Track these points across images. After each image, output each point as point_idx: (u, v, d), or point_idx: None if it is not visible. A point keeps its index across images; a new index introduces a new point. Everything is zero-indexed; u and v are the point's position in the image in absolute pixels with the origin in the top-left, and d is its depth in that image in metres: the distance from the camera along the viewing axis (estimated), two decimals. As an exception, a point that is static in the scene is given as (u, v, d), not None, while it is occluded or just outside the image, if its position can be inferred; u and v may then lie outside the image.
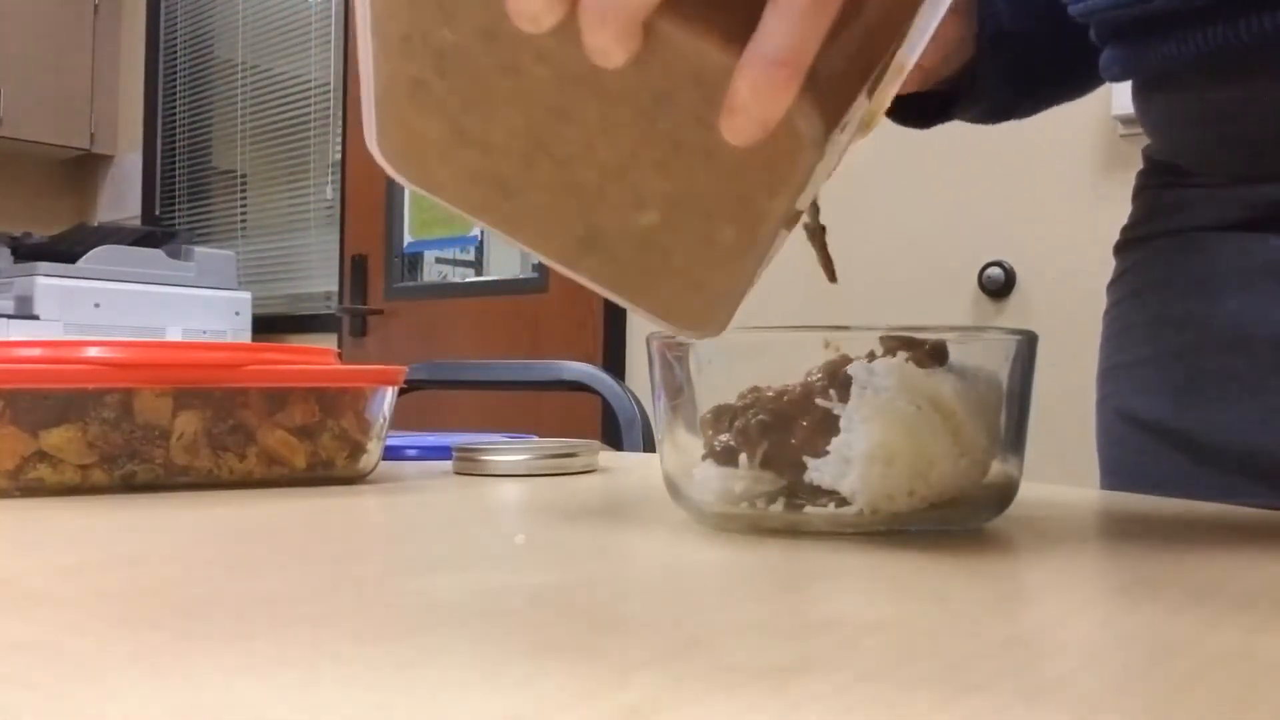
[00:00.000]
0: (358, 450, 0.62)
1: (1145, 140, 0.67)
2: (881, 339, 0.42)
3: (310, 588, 0.33)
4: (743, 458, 0.43)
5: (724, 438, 0.44)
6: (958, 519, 0.42)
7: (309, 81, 3.50)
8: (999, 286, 1.97)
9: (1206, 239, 0.61)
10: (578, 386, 1.39)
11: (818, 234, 0.50)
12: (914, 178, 2.06)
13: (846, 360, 0.42)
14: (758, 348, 0.48)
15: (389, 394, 0.64)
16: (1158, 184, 0.66)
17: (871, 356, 0.42)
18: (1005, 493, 0.44)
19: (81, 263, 3.20)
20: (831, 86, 0.29)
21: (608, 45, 0.28)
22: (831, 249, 0.47)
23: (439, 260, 3.38)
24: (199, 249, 3.50)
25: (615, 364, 2.46)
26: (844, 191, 2.12)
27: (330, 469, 0.61)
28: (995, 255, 1.97)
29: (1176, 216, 0.63)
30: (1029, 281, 1.95)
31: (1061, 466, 0.99)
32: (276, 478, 0.59)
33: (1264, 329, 0.57)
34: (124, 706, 0.21)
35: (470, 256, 3.53)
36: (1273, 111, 0.54)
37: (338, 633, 0.27)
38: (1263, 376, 0.58)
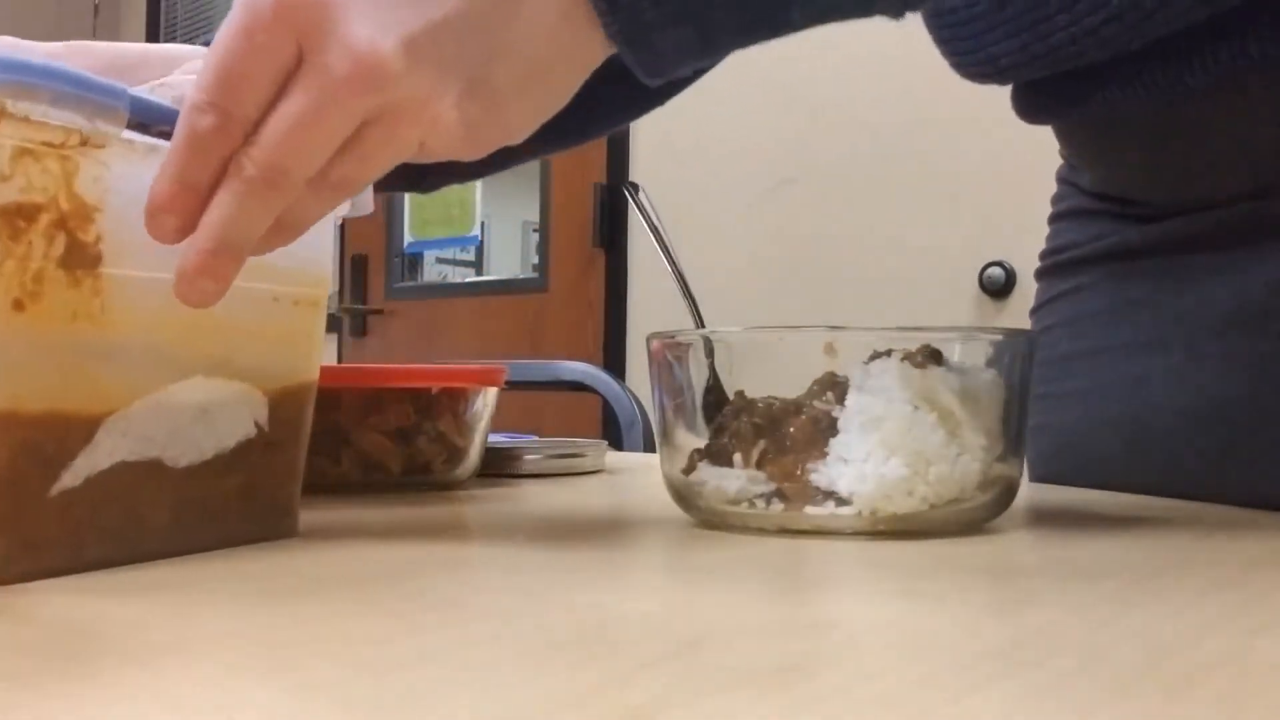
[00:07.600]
0: (456, 454, 0.60)
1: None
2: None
3: (308, 587, 0.33)
4: (737, 458, 0.43)
5: (720, 439, 0.44)
6: (957, 519, 0.42)
7: (309, 81, 3.49)
8: (999, 286, 1.97)
9: (1143, 267, 0.58)
10: (578, 386, 1.39)
11: (680, 280, 0.51)
12: (914, 178, 2.06)
13: (835, 378, 0.42)
14: (758, 347, 0.48)
15: (489, 395, 0.61)
16: (1088, 209, 0.63)
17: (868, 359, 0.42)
18: (1005, 493, 0.44)
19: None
20: None
21: None
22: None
23: (439, 260, 3.38)
24: (199, 250, 3.48)
25: (615, 364, 2.45)
26: (845, 192, 2.12)
27: (427, 473, 0.59)
28: (995, 255, 1.97)
29: (1112, 243, 0.60)
30: (1029, 281, 1.96)
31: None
32: (372, 482, 0.57)
33: (1207, 370, 0.54)
34: (125, 706, 0.21)
35: (470, 256, 3.52)
36: (1207, 144, 0.52)
37: (336, 632, 0.27)
38: (1213, 419, 0.54)
